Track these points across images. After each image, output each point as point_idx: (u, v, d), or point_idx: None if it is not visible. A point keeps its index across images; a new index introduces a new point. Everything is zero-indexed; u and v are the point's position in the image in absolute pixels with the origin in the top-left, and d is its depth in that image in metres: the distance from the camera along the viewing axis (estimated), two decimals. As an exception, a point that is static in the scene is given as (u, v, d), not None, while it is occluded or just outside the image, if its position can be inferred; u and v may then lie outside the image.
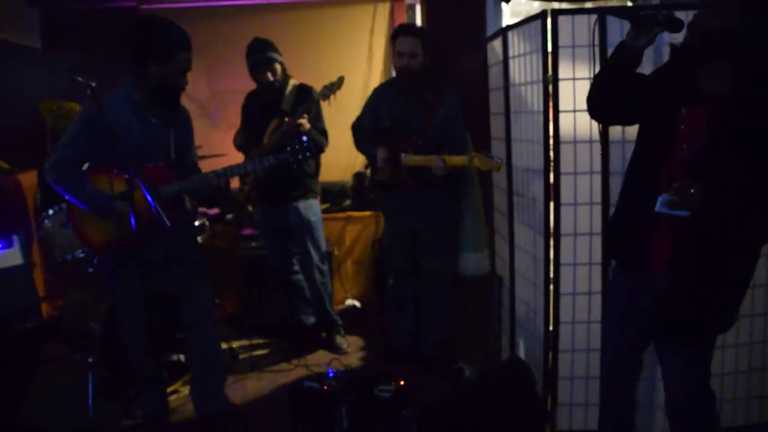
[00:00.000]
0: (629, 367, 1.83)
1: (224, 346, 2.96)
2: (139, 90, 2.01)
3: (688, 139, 1.51)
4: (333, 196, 3.66)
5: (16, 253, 2.85)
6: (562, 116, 2.11)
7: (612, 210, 1.95)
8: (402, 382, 2.16)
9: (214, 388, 2.36)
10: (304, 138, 2.20)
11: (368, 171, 2.99)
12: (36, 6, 3.72)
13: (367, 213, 3.63)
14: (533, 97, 2.26)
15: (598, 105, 1.70)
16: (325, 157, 3.02)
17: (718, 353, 1.89)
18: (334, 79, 2.77)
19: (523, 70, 2.35)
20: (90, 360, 2.39)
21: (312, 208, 2.97)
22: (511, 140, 2.54)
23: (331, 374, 2.22)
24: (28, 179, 3.25)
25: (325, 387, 2.13)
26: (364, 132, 2.80)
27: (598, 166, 2.10)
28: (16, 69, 3.41)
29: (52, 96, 3.26)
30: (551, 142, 2.14)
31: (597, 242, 2.13)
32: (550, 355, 2.23)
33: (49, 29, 3.74)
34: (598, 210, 2.12)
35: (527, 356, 2.46)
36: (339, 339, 3.13)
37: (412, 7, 3.83)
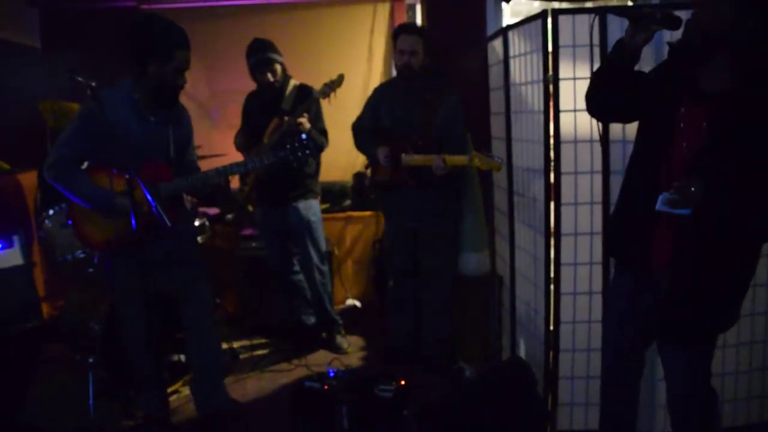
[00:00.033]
0: (630, 367, 1.83)
1: (225, 346, 2.96)
2: (138, 89, 2.01)
3: (688, 138, 1.51)
4: (333, 196, 3.66)
5: (16, 254, 2.85)
6: (562, 116, 2.11)
7: (612, 209, 1.95)
8: (403, 382, 2.15)
9: (215, 387, 2.36)
10: (303, 136, 2.19)
11: (368, 171, 2.99)
12: (36, 6, 3.72)
13: (368, 213, 3.62)
14: (534, 96, 2.26)
15: (597, 102, 1.70)
16: (325, 157, 3.02)
17: (719, 353, 1.89)
18: (334, 77, 2.77)
19: (524, 69, 2.35)
20: (90, 360, 2.39)
21: (312, 208, 2.97)
22: (512, 140, 2.54)
23: (331, 374, 2.22)
24: (29, 179, 3.25)
25: (326, 387, 2.13)
26: (364, 132, 2.80)
27: (598, 165, 2.10)
28: (16, 69, 3.42)
29: (52, 96, 3.26)
30: (552, 141, 2.14)
31: (598, 242, 2.13)
32: (551, 354, 2.23)
33: (49, 29, 3.74)
34: (598, 209, 2.12)
35: (528, 356, 2.46)
36: (339, 339, 3.13)
37: (412, 7, 3.83)
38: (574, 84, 2.08)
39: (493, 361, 2.85)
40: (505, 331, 2.78)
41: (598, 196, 2.11)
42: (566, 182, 2.12)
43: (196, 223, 2.95)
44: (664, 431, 2.12)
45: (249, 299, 3.37)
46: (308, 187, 2.96)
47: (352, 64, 3.77)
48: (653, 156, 1.60)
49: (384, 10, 3.84)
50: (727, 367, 2.13)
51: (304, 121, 2.74)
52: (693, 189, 1.41)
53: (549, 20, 2.08)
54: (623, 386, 1.85)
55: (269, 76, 2.81)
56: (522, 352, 2.55)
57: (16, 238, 2.85)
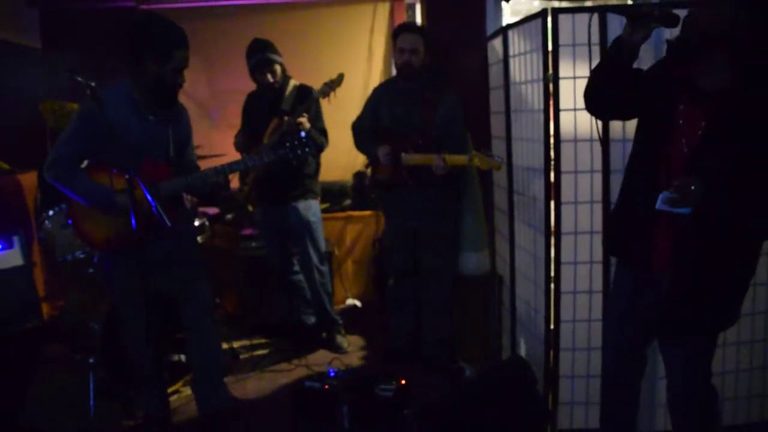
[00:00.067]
0: (630, 367, 1.83)
1: (225, 346, 2.96)
2: (137, 89, 2.01)
3: (687, 135, 1.51)
4: (333, 195, 3.66)
5: (16, 254, 2.85)
6: (562, 115, 2.11)
7: (612, 208, 1.95)
8: (403, 382, 2.15)
9: (216, 387, 2.36)
10: (303, 133, 2.19)
11: (368, 170, 2.99)
12: (35, 6, 3.72)
13: (368, 212, 3.62)
14: (534, 95, 2.26)
15: (595, 100, 1.70)
16: (325, 157, 3.02)
17: (719, 351, 1.89)
18: (334, 76, 2.77)
19: (524, 68, 2.35)
20: (90, 360, 2.39)
21: (311, 208, 2.97)
22: (512, 139, 2.54)
23: (332, 374, 2.22)
24: (28, 180, 3.25)
25: (326, 386, 2.13)
26: (364, 131, 2.80)
27: (598, 164, 2.10)
28: (15, 69, 3.41)
29: (51, 96, 3.26)
30: (552, 140, 2.14)
31: (598, 241, 2.13)
32: (551, 353, 2.23)
33: (49, 29, 3.74)
34: (598, 208, 2.12)
35: (528, 355, 2.46)
36: (339, 338, 3.13)
37: (411, 7, 3.83)
38: (574, 83, 2.08)
39: (493, 361, 2.85)
40: (505, 331, 2.78)
41: (598, 195, 2.11)
42: (566, 181, 2.12)
43: (196, 223, 2.95)
44: (665, 430, 2.12)
45: (249, 299, 3.37)
46: (308, 187, 2.96)
47: (351, 64, 3.77)
48: (652, 154, 1.60)
49: (384, 9, 3.83)
50: (728, 366, 2.13)
51: (304, 121, 2.74)
52: (693, 188, 1.41)
53: (549, 19, 2.08)
54: (623, 386, 1.85)
55: (269, 76, 2.81)
56: (522, 351, 2.55)
57: (16, 239, 2.85)
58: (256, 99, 2.99)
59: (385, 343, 3.04)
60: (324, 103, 2.83)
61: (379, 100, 2.77)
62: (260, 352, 3.13)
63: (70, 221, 2.14)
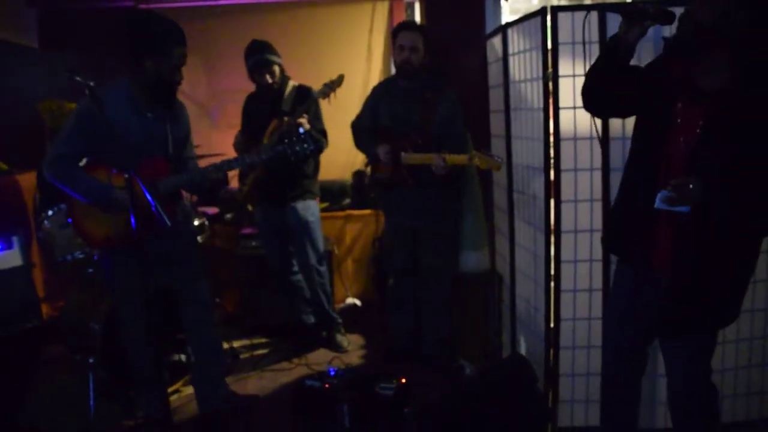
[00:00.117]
0: (630, 366, 1.84)
1: (225, 345, 2.96)
2: (136, 87, 2.01)
3: (685, 133, 1.51)
4: (333, 194, 3.66)
5: (15, 255, 2.85)
6: (562, 113, 2.11)
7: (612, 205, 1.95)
8: (403, 381, 2.16)
9: (217, 385, 2.36)
10: (301, 130, 2.19)
11: (368, 169, 2.98)
12: (34, 6, 3.71)
13: (367, 211, 3.62)
14: (533, 94, 2.26)
15: (593, 98, 1.70)
16: (324, 156, 3.02)
17: (719, 349, 1.89)
18: (334, 77, 2.77)
19: (523, 67, 2.35)
20: (90, 360, 2.39)
21: (310, 208, 2.97)
22: (511, 137, 2.54)
23: (332, 373, 2.22)
24: (27, 180, 3.24)
25: (327, 385, 2.13)
26: (363, 130, 2.80)
27: (598, 162, 2.10)
28: (14, 69, 3.41)
29: (50, 96, 3.26)
30: (551, 138, 2.14)
31: (598, 239, 2.12)
32: (551, 351, 2.24)
33: (47, 29, 3.73)
34: (598, 206, 2.12)
35: (528, 353, 2.46)
36: (339, 337, 3.13)
37: (411, 6, 3.83)
38: (574, 81, 2.08)
39: (493, 359, 2.85)
40: (505, 329, 2.78)
41: (598, 193, 2.11)
42: (566, 179, 2.13)
43: (196, 223, 2.95)
44: (665, 427, 2.12)
45: (249, 299, 3.37)
46: (306, 188, 2.96)
47: (351, 63, 3.77)
48: (652, 152, 1.60)
49: (383, 8, 3.83)
50: (727, 363, 2.14)
51: (304, 121, 2.74)
52: (691, 186, 1.41)
53: (548, 17, 2.08)
54: (624, 385, 1.86)
55: (268, 77, 2.82)
56: (522, 350, 2.55)
57: (15, 239, 2.84)
58: (255, 100, 2.99)
59: (385, 342, 3.04)
60: (323, 102, 2.83)
61: (378, 98, 2.77)
62: (260, 351, 3.13)
63: (70, 220, 2.14)
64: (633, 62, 1.63)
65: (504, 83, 2.53)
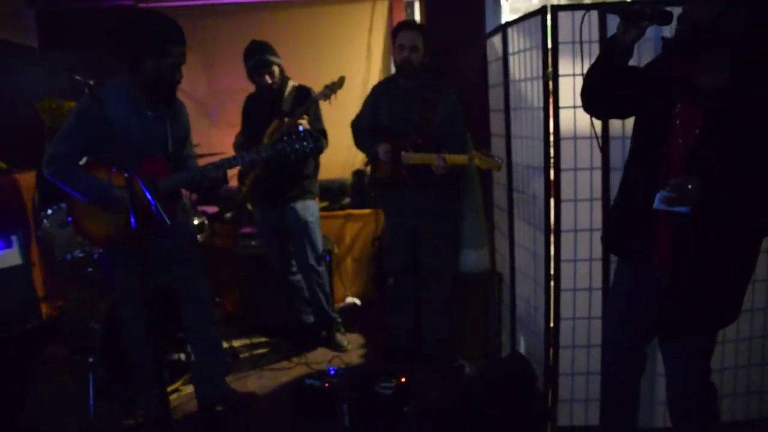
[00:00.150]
0: (630, 365, 1.84)
1: (225, 345, 2.96)
2: (135, 86, 2.01)
3: (683, 135, 1.51)
4: (332, 193, 3.65)
5: (15, 254, 2.84)
6: (562, 112, 2.11)
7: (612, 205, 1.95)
8: (403, 380, 2.16)
9: (216, 384, 2.37)
10: (301, 128, 2.19)
11: (368, 168, 2.98)
12: (34, 5, 3.71)
13: (367, 210, 3.62)
14: (533, 93, 2.26)
15: (592, 99, 1.70)
16: (324, 155, 3.01)
17: (718, 348, 1.89)
18: (334, 78, 2.77)
19: (523, 66, 2.34)
20: (90, 360, 2.39)
21: (309, 209, 2.96)
22: (511, 137, 2.54)
23: (332, 372, 2.22)
24: (26, 179, 3.24)
25: (327, 384, 2.13)
26: (363, 129, 2.80)
27: (598, 162, 2.10)
28: (14, 69, 3.41)
29: (49, 95, 3.25)
30: (551, 138, 2.14)
31: (597, 238, 2.13)
32: (551, 351, 2.24)
33: (46, 28, 3.73)
34: (598, 206, 2.12)
35: (528, 353, 2.46)
36: (339, 337, 3.14)
37: (410, 5, 3.83)
38: (574, 80, 2.08)
39: (492, 358, 2.85)
40: (505, 328, 2.78)
41: (598, 192, 2.11)
42: (566, 179, 2.12)
43: (195, 221, 2.95)
44: (664, 427, 2.12)
45: (248, 298, 3.37)
46: (306, 188, 2.96)
47: (350, 62, 3.77)
48: (652, 153, 1.60)
49: (382, 7, 3.83)
50: (726, 363, 2.14)
51: (304, 122, 2.73)
52: (690, 187, 1.41)
53: (548, 16, 2.08)
54: (624, 385, 1.86)
55: (267, 78, 2.81)
56: (522, 349, 2.56)
57: (14, 238, 2.84)
58: (255, 100, 2.99)
59: (385, 341, 3.04)
60: (323, 102, 2.83)
61: (378, 97, 2.77)
62: (260, 350, 3.13)
63: (70, 218, 2.14)
64: (633, 62, 1.63)
65: (504, 82, 2.53)
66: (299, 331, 3.16)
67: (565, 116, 2.11)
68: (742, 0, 1.40)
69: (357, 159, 3.64)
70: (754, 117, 1.42)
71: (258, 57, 2.79)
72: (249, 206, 3.12)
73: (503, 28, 2.53)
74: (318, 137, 2.82)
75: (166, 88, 2.01)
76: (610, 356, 1.86)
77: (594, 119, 1.81)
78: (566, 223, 2.14)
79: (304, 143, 2.11)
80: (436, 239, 2.71)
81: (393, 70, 2.76)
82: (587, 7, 1.96)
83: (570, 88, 2.09)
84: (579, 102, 2.00)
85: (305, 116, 2.75)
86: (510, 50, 2.48)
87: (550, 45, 2.09)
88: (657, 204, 1.47)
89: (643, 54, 1.95)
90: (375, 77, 3.80)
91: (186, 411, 2.48)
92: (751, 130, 1.43)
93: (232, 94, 3.52)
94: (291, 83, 2.92)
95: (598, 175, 2.11)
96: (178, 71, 1.99)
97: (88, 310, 2.61)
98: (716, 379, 1.78)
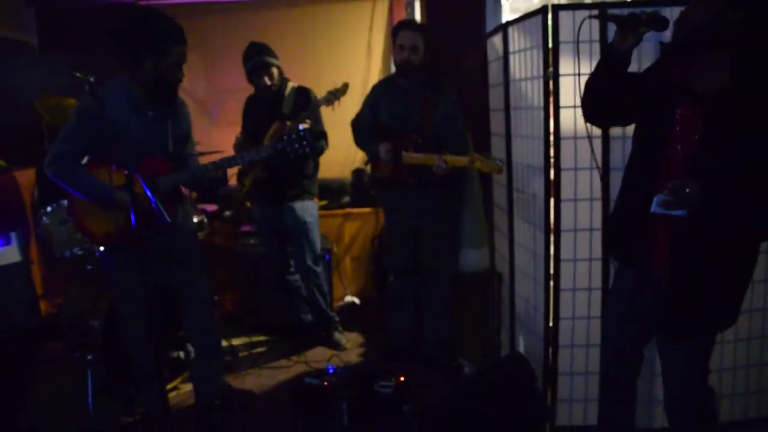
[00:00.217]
0: (630, 366, 1.84)
1: (224, 343, 2.95)
2: (136, 85, 2.00)
3: (683, 142, 1.51)
4: (332, 192, 3.65)
5: (14, 251, 2.83)
6: (562, 112, 2.11)
7: (612, 206, 1.95)
8: (402, 379, 2.16)
9: (215, 380, 2.37)
10: (301, 127, 2.19)
11: (368, 167, 2.98)
12: (33, 4, 3.70)
13: (366, 209, 3.62)
14: (534, 92, 2.26)
15: (593, 105, 1.69)
16: (324, 154, 3.01)
17: (717, 349, 1.90)
18: (335, 78, 2.77)
19: (524, 65, 2.34)
20: (89, 358, 2.38)
21: (308, 209, 2.96)
22: (512, 136, 2.54)
23: (331, 370, 2.22)
24: (26, 177, 3.24)
25: (326, 383, 2.13)
26: (363, 129, 2.79)
27: (598, 161, 2.10)
28: (13, 67, 3.40)
29: (49, 94, 3.25)
30: (552, 137, 2.13)
31: (597, 238, 2.13)
32: (550, 350, 2.24)
33: (46, 27, 3.72)
34: (598, 206, 2.12)
35: (527, 352, 2.46)
36: (337, 335, 3.14)
37: (411, 4, 3.82)
38: (574, 80, 2.07)
39: (492, 358, 2.85)
40: (505, 328, 2.78)
41: (598, 192, 2.11)
42: (566, 178, 2.12)
43: (195, 219, 2.95)
44: (663, 427, 2.12)
45: (248, 297, 3.37)
46: (305, 188, 2.95)
47: (350, 61, 3.77)
48: (652, 156, 1.60)
49: (383, 6, 3.83)
50: (725, 363, 2.14)
51: (305, 124, 2.73)
52: (687, 190, 1.41)
53: (549, 16, 2.08)
54: (623, 385, 1.86)
55: (266, 79, 2.81)
56: (521, 348, 2.56)
57: (13, 235, 2.83)
58: (254, 102, 2.99)
59: (385, 340, 3.04)
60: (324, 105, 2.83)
61: (378, 97, 2.77)
62: (259, 349, 3.13)
63: (70, 216, 2.14)
64: (634, 60, 1.63)
65: (504, 82, 2.53)
66: (298, 330, 3.16)
67: (565, 116, 2.11)
68: (739, 0, 1.40)
69: (356, 158, 3.63)
70: (754, 117, 1.42)
71: (257, 59, 2.79)
72: (248, 204, 3.12)
73: (504, 28, 2.53)
74: (318, 138, 2.82)
75: (167, 88, 2.01)
76: (609, 357, 1.86)
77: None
78: (566, 222, 2.15)
79: (304, 143, 2.11)
80: (436, 240, 2.71)
81: (393, 69, 2.76)
82: (588, 7, 1.96)
83: (570, 88, 2.08)
84: (579, 101, 2.01)
85: (307, 120, 2.75)
86: (510, 50, 2.48)
87: (551, 44, 2.09)
88: (654, 207, 1.47)
89: (644, 53, 1.95)
90: (375, 76, 3.79)
91: (185, 409, 2.48)
92: (751, 131, 1.43)
93: (233, 92, 3.51)
94: (291, 84, 2.91)
95: (598, 175, 2.10)
96: (179, 70, 1.99)
97: (87, 307, 2.61)
98: (715, 379, 1.78)
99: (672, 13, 1.62)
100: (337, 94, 2.75)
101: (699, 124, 1.48)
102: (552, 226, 2.19)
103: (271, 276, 3.18)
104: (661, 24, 1.49)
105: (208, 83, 3.89)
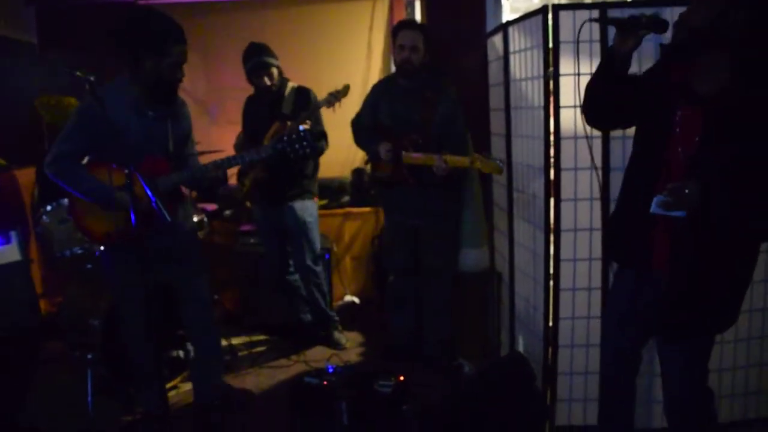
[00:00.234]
0: (630, 367, 1.84)
1: (224, 342, 2.95)
2: (136, 86, 2.00)
3: (683, 144, 1.51)
4: (332, 192, 3.65)
5: (14, 250, 2.84)
6: (562, 112, 2.11)
7: (612, 206, 1.95)
8: (402, 378, 2.16)
9: (215, 379, 2.37)
10: (301, 127, 2.19)
11: (368, 167, 2.98)
12: (33, 4, 3.70)
13: (366, 209, 3.62)
14: (534, 92, 2.26)
15: (594, 108, 1.69)
16: (324, 154, 3.02)
17: (717, 349, 1.89)
18: (335, 78, 2.78)
19: (524, 65, 2.34)
20: (89, 357, 2.39)
21: (308, 209, 2.96)
22: (512, 136, 2.54)
23: (330, 370, 2.22)
24: (25, 176, 3.24)
25: (325, 383, 2.13)
26: (363, 128, 2.79)
27: (598, 162, 2.10)
28: (13, 66, 3.40)
29: (49, 93, 3.25)
30: (552, 137, 2.14)
31: (597, 238, 2.13)
32: (550, 350, 2.24)
33: (46, 26, 3.72)
34: (598, 206, 2.12)
35: (527, 352, 2.47)
36: (337, 335, 3.14)
37: (411, 4, 3.82)
38: (575, 80, 2.07)
39: (492, 357, 2.85)
40: (504, 327, 2.78)
41: (598, 192, 2.11)
42: (566, 178, 2.13)
43: (195, 219, 2.95)
44: (662, 427, 2.13)
45: (248, 297, 3.37)
46: (305, 188, 2.95)
47: (350, 61, 3.77)
48: (652, 157, 1.60)
49: (383, 6, 3.83)
50: (725, 363, 2.14)
51: (307, 127, 2.73)
52: (687, 191, 1.41)
53: (549, 15, 2.08)
54: (622, 385, 1.86)
55: (266, 80, 2.81)
56: (521, 348, 2.56)
57: (13, 234, 2.83)
58: (254, 102, 2.99)
59: (384, 339, 3.04)
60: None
61: (378, 96, 2.77)
62: (259, 348, 3.13)
63: (70, 216, 2.14)
64: (634, 61, 1.63)
65: (504, 82, 2.53)
66: (298, 330, 3.16)
67: (565, 116, 2.11)
68: (741, 0, 1.40)
69: (356, 157, 3.63)
70: (754, 117, 1.42)
71: (256, 59, 2.79)
72: (248, 204, 3.12)
73: (504, 28, 2.53)
74: (318, 138, 2.82)
75: (167, 88, 2.01)
76: (609, 357, 1.86)
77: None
78: (566, 222, 2.15)
79: (304, 143, 2.11)
80: (437, 240, 2.71)
81: (393, 69, 2.76)
82: (588, 7, 1.96)
83: (571, 88, 2.07)
84: (580, 101, 2.01)
85: (308, 121, 2.75)
86: (511, 49, 2.48)
87: (551, 44, 2.09)
88: (654, 208, 1.47)
89: (644, 53, 1.95)
90: (375, 76, 3.79)
91: (184, 408, 2.48)
92: (751, 131, 1.43)
93: (233, 91, 3.51)
94: (290, 84, 2.91)
95: (598, 175, 2.10)
96: (179, 70, 1.98)
97: (87, 306, 2.61)
98: (714, 379, 1.78)
99: (672, 14, 1.63)
100: (337, 96, 2.75)
101: (699, 125, 1.48)
102: (552, 226, 2.19)
103: (270, 275, 3.18)
104: (661, 26, 1.49)
105: (208, 83, 3.89)
